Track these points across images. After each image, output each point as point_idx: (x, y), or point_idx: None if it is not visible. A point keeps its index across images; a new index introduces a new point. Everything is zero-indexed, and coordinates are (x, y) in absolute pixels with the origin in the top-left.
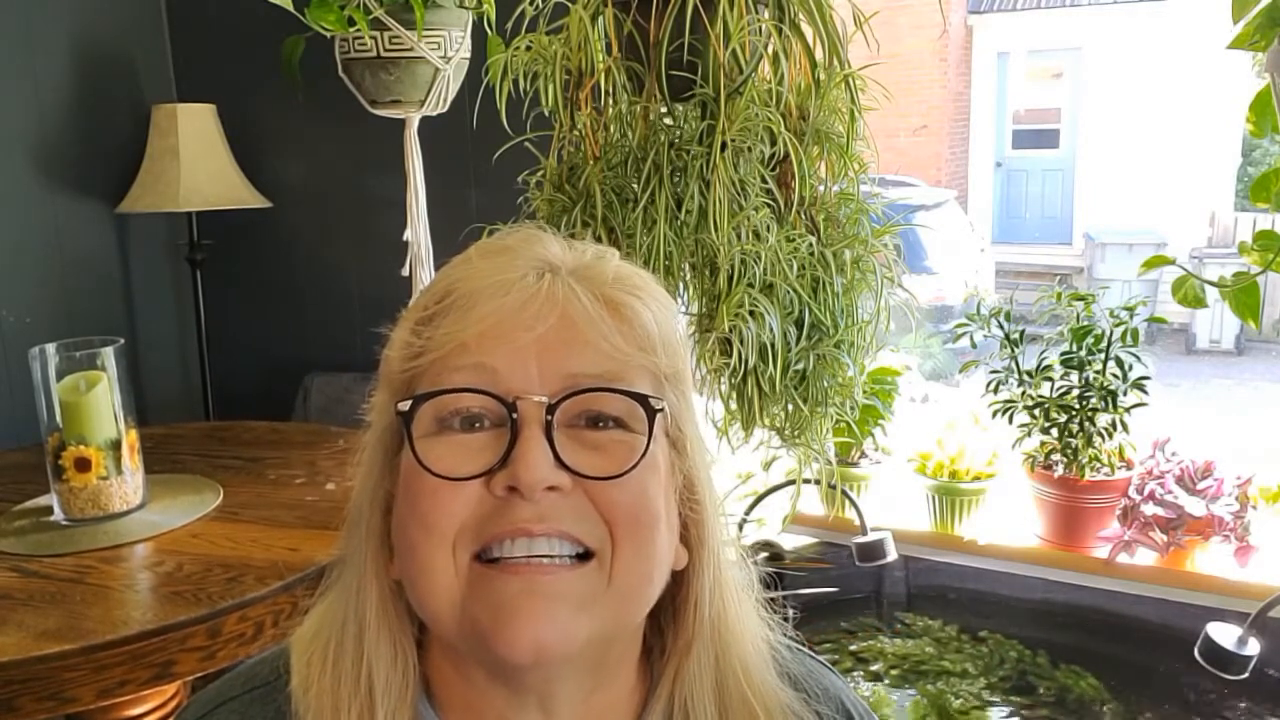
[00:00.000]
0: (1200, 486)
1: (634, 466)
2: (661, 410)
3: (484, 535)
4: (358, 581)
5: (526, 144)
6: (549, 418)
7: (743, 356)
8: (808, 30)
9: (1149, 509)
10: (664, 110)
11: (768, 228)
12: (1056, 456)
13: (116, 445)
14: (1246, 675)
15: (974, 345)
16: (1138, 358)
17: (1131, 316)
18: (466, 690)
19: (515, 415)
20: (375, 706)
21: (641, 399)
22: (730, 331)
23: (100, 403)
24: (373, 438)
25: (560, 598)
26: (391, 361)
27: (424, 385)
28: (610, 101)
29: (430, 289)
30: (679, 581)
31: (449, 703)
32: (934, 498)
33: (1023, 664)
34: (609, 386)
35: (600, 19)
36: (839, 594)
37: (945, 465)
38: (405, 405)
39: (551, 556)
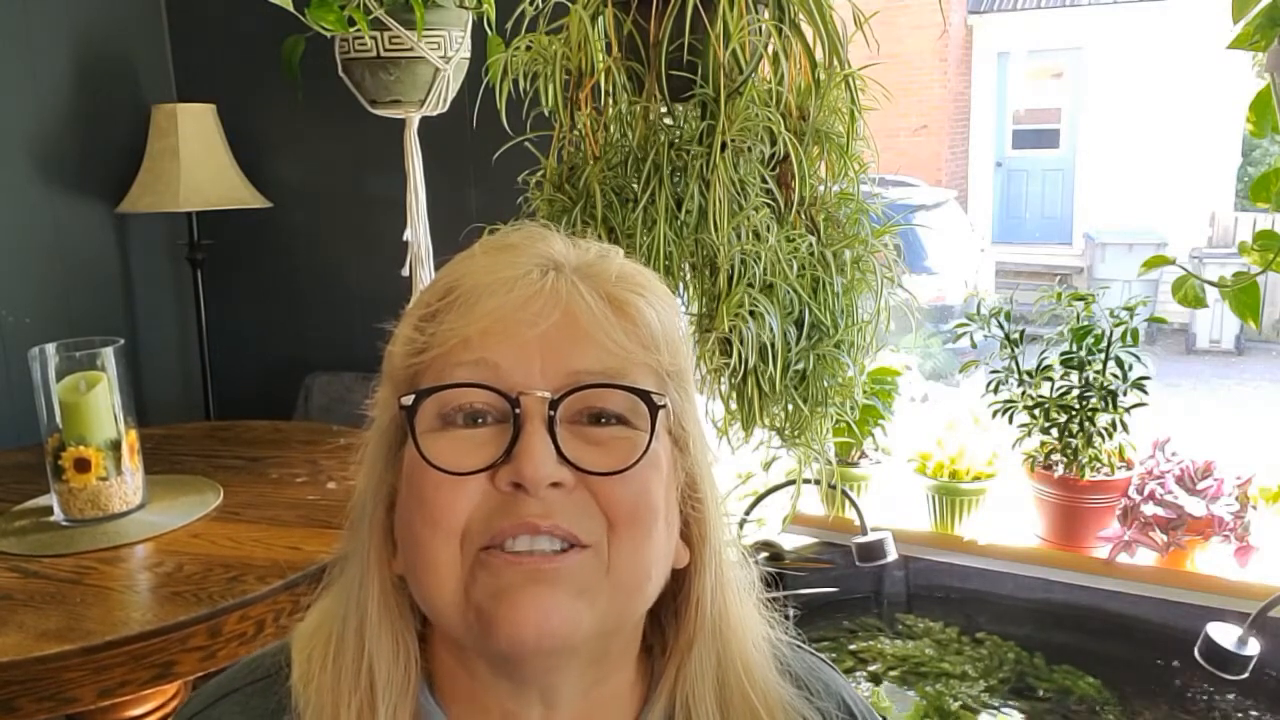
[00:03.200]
0: (1200, 486)
1: (636, 462)
2: (664, 407)
3: (490, 531)
4: (360, 576)
5: (526, 144)
6: (551, 413)
7: (743, 356)
8: (808, 30)
9: (1149, 509)
10: (664, 110)
11: (768, 228)
12: (1056, 456)
13: (116, 446)
14: (1246, 675)
15: (974, 345)
16: (1138, 358)
17: (1131, 316)
18: (470, 683)
19: (518, 410)
20: (376, 702)
21: (644, 395)
22: (730, 331)
23: (100, 403)
24: (376, 433)
25: (561, 584)
26: (395, 357)
27: (427, 381)
28: (610, 101)
29: (434, 285)
30: (680, 580)
31: (453, 696)
32: (934, 498)
33: (1021, 665)
34: (612, 383)
35: (600, 19)
36: (839, 594)
37: (945, 465)
38: (408, 400)
39: (552, 551)
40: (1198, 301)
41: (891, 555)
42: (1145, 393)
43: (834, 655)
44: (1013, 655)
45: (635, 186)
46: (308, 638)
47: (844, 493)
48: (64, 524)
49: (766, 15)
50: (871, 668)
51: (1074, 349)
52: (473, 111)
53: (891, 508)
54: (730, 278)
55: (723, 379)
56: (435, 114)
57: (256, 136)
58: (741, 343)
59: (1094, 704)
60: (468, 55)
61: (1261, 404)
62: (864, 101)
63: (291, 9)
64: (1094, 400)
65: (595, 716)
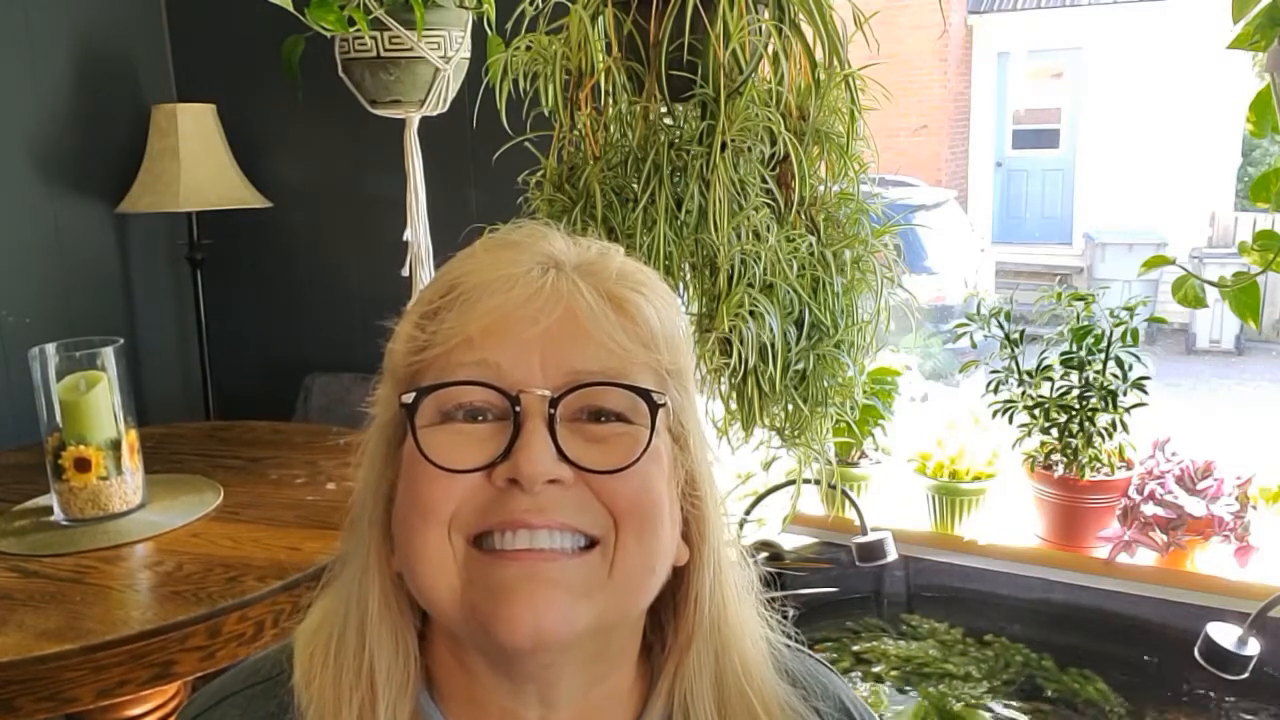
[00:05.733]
0: (1200, 486)
1: (636, 460)
2: (664, 405)
3: (481, 523)
4: (360, 573)
5: (526, 144)
6: (552, 411)
7: (743, 356)
8: (808, 30)
9: (1149, 509)
10: (664, 110)
11: (768, 228)
12: (1056, 456)
13: (116, 445)
14: (1246, 675)
15: (974, 345)
16: (1138, 358)
17: (1131, 316)
18: (468, 682)
19: (518, 409)
20: (377, 699)
21: (644, 394)
22: (730, 331)
23: (100, 403)
24: (376, 430)
25: (560, 584)
26: (396, 355)
27: (428, 379)
28: (610, 101)
29: (435, 283)
30: (680, 578)
31: (451, 694)
32: (934, 498)
33: (1029, 668)
34: (611, 381)
35: (600, 19)
36: (839, 594)
37: (945, 465)
38: (409, 397)
39: (553, 549)
40: (1198, 301)
41: (891, 555)
42: (1145, 393)
43: (835, 655)
44: (1020, 658)
45: (635, 186)
46: (309, 637)
47: (844, 493)
48: (64, 523)
49: (766, 15)
50: (874, 668)
51: (1074, 349)
52: (473, 111)
53: (892, 508)
54: (730, 278)
55: (723, 379)
56: (435, 114)
57: (256, 136)
58: (741, 343)
59: (1099, 705)
60: (468, 55)
61: (1262, 404)
62: (864, 101)
63: (291, 9)
64: (1094, 400)
65: (595, 717)
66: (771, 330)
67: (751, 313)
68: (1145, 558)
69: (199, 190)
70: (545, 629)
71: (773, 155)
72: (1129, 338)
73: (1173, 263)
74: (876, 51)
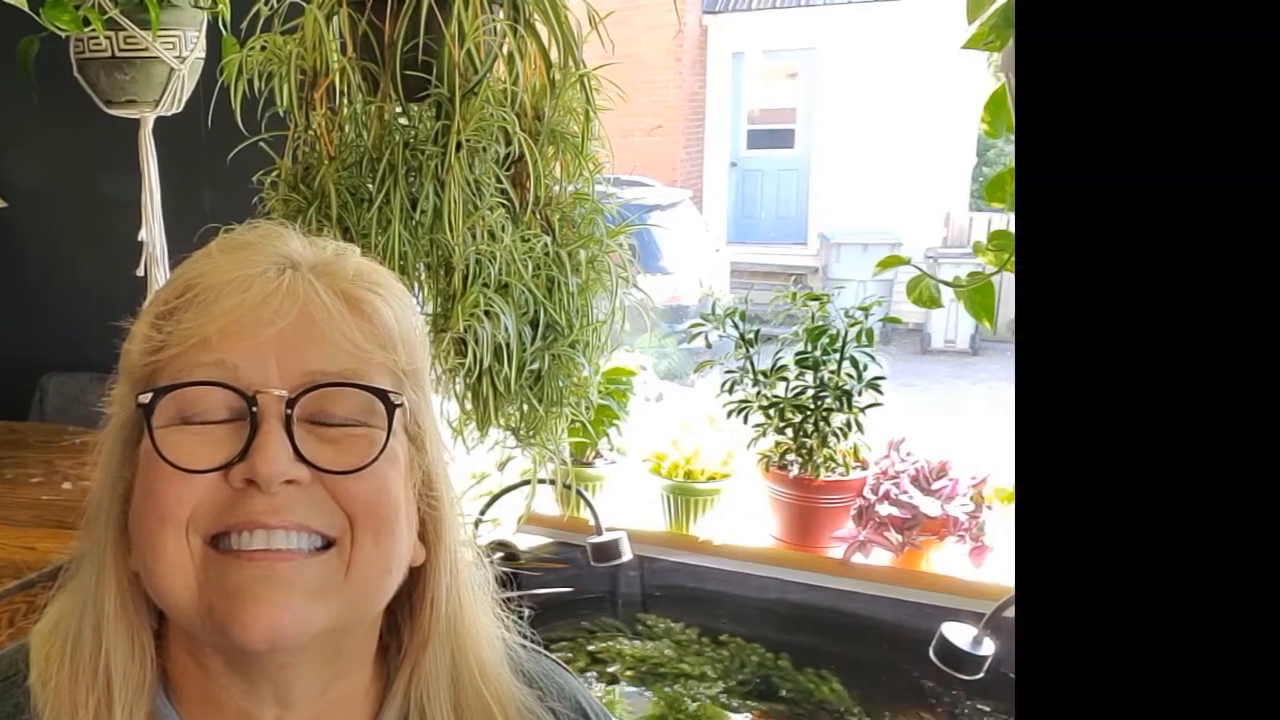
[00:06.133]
0: (935, 486)
1: (373, 461)
2: (401, 405)
3: (218, 523)
4: (96, 573)
5: (262, 144)
6: (288, 412)
7: (478, 356)
8: (543, 30)
9: (884, 509)
10: (399, 110)
11: (503, 228)
12: (791, 456)
13: None
14: (982, 675)
15: (709, 345)
16: (872, 358)
17: (866, 316)
18: (205, 682)
19: (255, 409)
20: (113, 699)
21: (381, 394)
22: (465, 331)
23: None
24: (113, 430)
25: (296, 585)
26: (132, 355)
27: (165, 379)
28: (345, 101)
29: (171, 283)
30: (416, 578)
31: (188, 696)
32: (669, 498)
33: (765, 668)
34: (348, 382)
35: (335, 19)
36: (574, 594)
37: (680, 465)
38: (146, 398)
39: (290, 550)
40: (933, 302)
41: (626, 555)
42: (880, 393)
43: (571, 656)
44: (756, 658)
45: (370, 186)
46: (45, 637)
47: (579, 493)
48: None
49: (501, 15)
50: (609, 668)
51: (809, 349)
52: (208, 111)
53: (627, 508)
54: (465, 278)
55: (458, 379)
56: (170, 114)
57: None
58: (476, 343)
59: (834, 705)
60: (203, 55)
61: (996, 404)
62: (599, 101)
63: (26, 8)
64: (829, 400)
65: (331, 717)
66: (506, 330)
67: (487, 313)
68: (880, 558)
69: None
70: (281, 630)
71: (508, 155)
72: (864, 338)
73: (908, 263)
74: (611, 52)
